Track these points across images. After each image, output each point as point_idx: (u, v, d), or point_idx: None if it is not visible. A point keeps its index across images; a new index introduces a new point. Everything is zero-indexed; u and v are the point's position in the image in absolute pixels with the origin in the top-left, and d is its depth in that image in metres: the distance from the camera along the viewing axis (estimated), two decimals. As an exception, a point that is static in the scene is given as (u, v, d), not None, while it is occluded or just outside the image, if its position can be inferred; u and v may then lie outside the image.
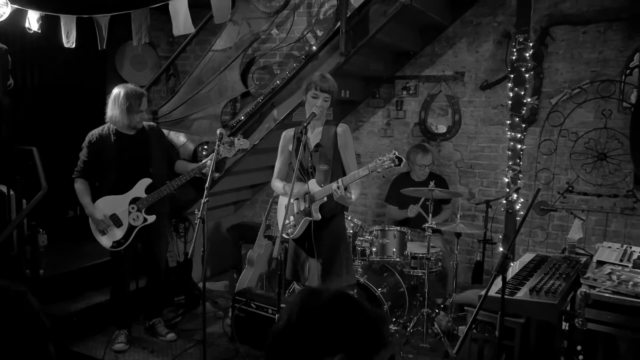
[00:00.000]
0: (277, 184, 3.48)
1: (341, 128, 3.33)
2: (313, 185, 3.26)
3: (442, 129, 5.29)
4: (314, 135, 3.34)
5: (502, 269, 2.53)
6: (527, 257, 3.48)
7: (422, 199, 4.59)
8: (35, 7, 4.24)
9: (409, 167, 4.90)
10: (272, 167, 5.84)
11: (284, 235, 3.34)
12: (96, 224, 3.88)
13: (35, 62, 5.36)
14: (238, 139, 3.78)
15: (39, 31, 4.28)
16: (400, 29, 4.66)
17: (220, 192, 5.40)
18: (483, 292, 2.65)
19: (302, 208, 3.28)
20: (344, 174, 3.27)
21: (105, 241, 3.91)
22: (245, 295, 4.18)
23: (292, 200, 3.21)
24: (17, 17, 4.24)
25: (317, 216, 3.25)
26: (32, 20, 4.19)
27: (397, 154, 3.01)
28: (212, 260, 5.68)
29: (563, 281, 2.90)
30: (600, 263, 2.93)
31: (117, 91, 3.78)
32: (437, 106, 5.29)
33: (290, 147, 3.40)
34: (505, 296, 2.57)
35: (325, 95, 3.21)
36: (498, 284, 2.61)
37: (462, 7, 4.98)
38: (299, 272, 3.42)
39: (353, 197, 3.26)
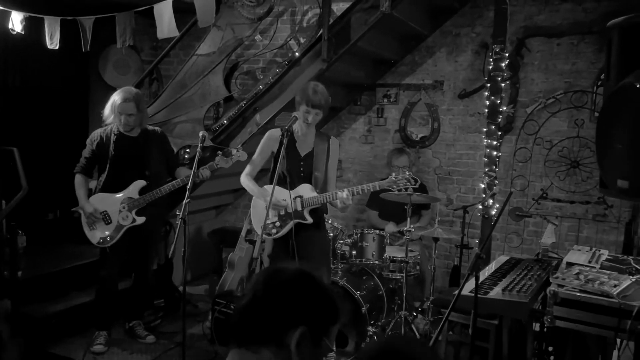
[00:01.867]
0: (248, 183, 3.47)
1: (333, 142, 3.45)
2: (306, 190, 3.31)
3: (422, 136, 5.40)
4: (306, 143, 3.39)
5: (475, 268, 2.61)
6: (501, 260, 3.58)
7: (401, 225, 4.67)
8: (20, 8, 4.25)
9: (390, 171, 4.98)
10: (255, 172, 6.01)
11: (265, 236, 3.39)
12: (86, 217, 3.96)
13: (18, 63, 5.36)
14: (237, 150, 3.82)
15: (23, 32, 4.29)
16: (381, 38, 4.77)
17: (202, 196, 5.42)
18: (456, 292, 2.74)
19: (290, 210, 3.29)
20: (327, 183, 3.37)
21: (92, 236, 3.97)
22: (226, 297, 4.20)
23: (279, 201, 3.27)
24: (2, 18, 4.25)
25: (310, 220, 3.32)
26: (16, 21, 4.21)
27: (412, 174, 3.09)
28: (193, 264, 5.69)
29: (534, 281, 3.00)
30: (570, 264, 3.04)
31: (114, 93, 3.91)
32: (417, 114, 5.40)
33: (275, 149, 3.41)
34: (479, 295, 2.65)
35: (317, 111, 3.26)
36: (471, 283, 2.69)
37: (441, 17, 5.12)
38: None
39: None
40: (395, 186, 3.15)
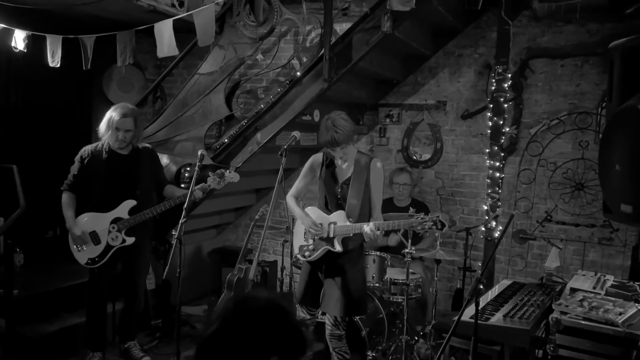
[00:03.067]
0: (292, 204, 3.50)
1: (374, 164, 3.32)
2: (340, 217, 3.28)
3: (424, 156, 5.36)
4: (345, 167, 3.35)
5: (476, 293, 2.54)
6: (504, 284, 3.50)
7: (402, 231, 4.60)
8: (23, 26, 4.28)
9: (391, 192, 4.94)
10: (256, 190, 5.98)
11: (300, 257, 3.39)
12: (74, 238, 3.84)
13: (20, 81, 5.38)
14: (229, 172, 3.79)
15: (25, 50, 4.31)
16: (383, 58, 4.75)
17: (203, 215, 5.38)
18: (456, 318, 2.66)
19: (324, 236, 3.29)
20: (370, 210, 3.32)
21: (80, 257, 3.87)
22: (223, 319, 4.13)
23: (313, 225, 3.28)
24: (3, 36, 4.28)
25: (339, 248, 3.27)
26: (19, 39, 4.23)
27: (440, 218, 3.05)
28: (192, 284, 5.62)
29: (537, 308, 2.92)
30: (574, 290, 2.95)
31: (110, 109, 3.83)
32: (419, 134, 5.37)
33: (318, 174, 3.44)
34: (479, 321, 2.57)
35: (343, 146, 3.21)
36: (472, 309, 2.61)
37: (444, 38, 5.11)
38: (309, 296, 3.41)
39: (381, 234, 3.33)
40: (420, 227, 3.11)
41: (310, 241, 3.39)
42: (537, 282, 3.61)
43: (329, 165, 3.38)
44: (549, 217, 4.75)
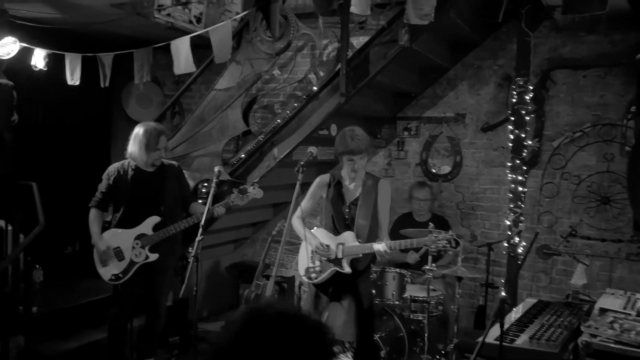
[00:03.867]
0: (297, 225, 3.43)
1: (382, 185, 3.31)
2: (349, 237, 3.23)
3: (444, 170, 5.27)
4: (353, 188, 3.32)
5: (500, 314, 2.45)
6: (529, 303, 3.39)
7: (424, 249, 4.51)
8: (43, 45, 4.33)
9: (410, 206, 4.87)
10: (273, 205, 5.95)
11: (306, 279, 3.33)
12: (99, 253, 3.87)
13: (40, 99, 5.46)
14: (253, 188, 3.77)
15: (45, 69, 4.36)
16: (401, 71, 4.71)
17: (220, 230, 5.36)
18: (480, 339, 2.57)
19: (332, 257, 3.22)
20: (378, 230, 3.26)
21: (105, 272, 3.88)
22: (241, 336, 4.08)
23: (320, 246, 3.23)
24: (24, 55, 4.34)
25: (348, 270, 3.21)
26: (39, 58, 4.28)
27: (454, 235, 3.00)
28: (210, 300, 5.58)
29: (564, 329, 2.81)
30: (603, 311, 2.84)
31: (138, 129, 3.82)
32: (438, 147, 5.29)
33: (324, 194, 3.39)
34: (504, 343, 2.48)
35: (360, 156, 3.20)
36: (497, 330, 2.52)
37: (462, 50, 5.04)
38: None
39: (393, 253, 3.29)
40: (434, 246, 3.05)
41: (317, 263, 3.32)
42: (563, 301, 3.49)
43: (337, 185, 3.34)
44: (573, 232, 4.62)
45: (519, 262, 4.32)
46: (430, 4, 2.90)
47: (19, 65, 4.45)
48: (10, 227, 4.35)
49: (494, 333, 2.60)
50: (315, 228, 3.43)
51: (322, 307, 3.33)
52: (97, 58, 4.29)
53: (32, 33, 4.47)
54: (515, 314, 3.16)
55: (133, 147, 3.80)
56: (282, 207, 5.93)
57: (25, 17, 4.42)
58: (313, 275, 3.32)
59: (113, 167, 3.94)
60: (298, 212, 3.46)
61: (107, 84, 4.39)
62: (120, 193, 3.88)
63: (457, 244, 3.02)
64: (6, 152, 4.20)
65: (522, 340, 2.67)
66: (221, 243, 5.90)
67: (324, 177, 3.44)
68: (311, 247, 3.31)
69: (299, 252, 3.51)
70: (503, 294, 4.54)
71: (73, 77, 4.26)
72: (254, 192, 3.78)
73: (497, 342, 2.48)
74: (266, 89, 5.68)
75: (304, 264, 3.40)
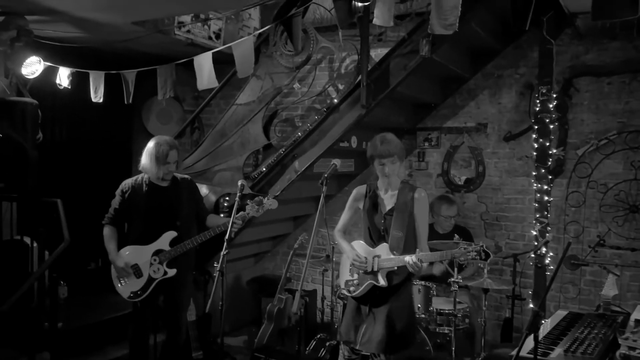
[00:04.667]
0: (338, 238, 3.44)
1: (419, 194, 3.23)
2: (384, 250, 3.19)
3: (466, 180, 5.21)
4: (388, 197, 3.28)
5: (534, 327, 2.39)
6: (559, 315, 3.30)
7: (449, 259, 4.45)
8: (67, 64, 4.41)
9: (432, 218, 4.81)
10: (294, 218, 5.93)
11: (345, 292, 3.30)
12: (117, 271, 3.84)
13: (64, 117, 5.54)
14: (267, 199, 3.76)
15: (69, 87, 4.42)
16: (421, 82, 4.69)
17: (241, 244, 5.35)
18: (514, 352, 2.51)
19: (368, 270, 3.19)
20: (416, 241, 3.22)
21: (124, 290, 3.85)
22: (264, 351, 4.07)
23: (357, 258, 3.20)
24: (48, 74, 4.42)
25: (383, 283, 3.16)
26: (63, 76, 4.36)
27: (484, 247, 2.95)
28: (231, 314, 5.56)
29: (600, 341, 2.73)
30: (639, 322, 2.75)
31: (150, 142, 3.82)
32: (460, 157, 5.24)
33: (361, 205, 3.36)
34: (538, 357, 2.42)
35: (391, 159, 3.15)
36: (530, 343, 2.46)
37: (483, 59, 5.00)
38: (351, 332, 3.25)
39: (424, 266, 3.19)
40: (463, 258, 3.01)
41: (355, 275, 3.28)
42: (595, 312, 3.40)
43: (372, 196, 3.30)
44: (602, 242, 4.52)
45: (547, 274, 4.24)
46: (454, 14, 2.88)
47: (43, 84, 4.53)
48: (35, 244, 4.40)
49: (526, 347, 2.54)
50: (355, 241, 3.39)
51: (360, 321, 3.27)
52: (121, 75, 4.34)
53: (57, 52, 4.55)
54: (545, 326, 3.09)
55: (145, 159, 3.81)
56: (302, 220, 5.92)
57: (50, 36, 4.50)
58: (352, 288, 3.29)
59: (126, 183, 3.91)
60: (339, 225, 3.47)
61: (130, 101, 4.44)
62: (135, 208, 3.85)
63: (487, 255, 2.96)
64: (31, 170, 4.25)
65: (556, 354, 2.59)
66: (242, 257, 5.89)
67: (361, 188, 3.40)
68: (349, 259, 3.29)
69: (340, 265, 3.48)
70: (531, 305, 4.46)
71: (97, 94, 4.31)
72: (269, 203, 3.77)
73: (531, 356, 2.42)
74: (285, 102, 5.69)
75: (344, 276, 3.37)
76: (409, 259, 3.05)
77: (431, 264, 4.59)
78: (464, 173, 5.23)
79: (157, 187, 3.87)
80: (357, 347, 3.28)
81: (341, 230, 3.45)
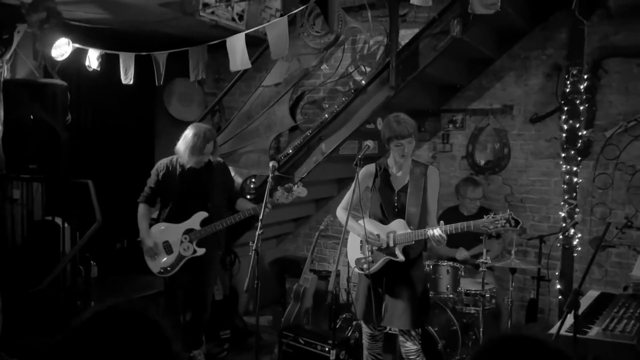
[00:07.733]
0: (343, 216, 3.36)
1: (431, 171, 3.27)
2: (400, 225, 3.20)
3: (491, 162, 5.21)
4: (401, 175, 3.29)
5: (575, 305, 2.42)
6: (592, 295, 3.33)
7: (476, 248, 4.47)
8: (97, 45, 4.41)
9: (458, 200, 4.82)
10: (317, 200, 5.96)
11: (358, 270, 3.31)
12: (145, 250, 3.96)
13: (90, 99, 5.56)
14: (297, 186, 3.80)
15: (98, 69, 4.44)
16: (448, 63, 4.66)
17: (263, 226, 5.37)
18: (553, 331, 2.54)
19: (384, 246, 3.21)
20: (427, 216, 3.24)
21: (154, 265, 3.98)
22: (293, 330, 4.12)
23: (371, 235, 3.19)
24: (77, 56, 4.43)
25: (401, 258, 3.18)
26: (92, 58, 4.37)
27: (513, 214, 2.93)
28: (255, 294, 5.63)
29: (637, 321, 2.75)
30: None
31: (189, 130, 3.85)
32: (485, 139, 5.23)
33: (370, 184, 3.36)
34: (578, 335, 2.45)
35: (408, 139, 3.15)
36: (569, 321, 2.49)
37: (510, 40, 4.95)
38: (372, 313, 3.26)
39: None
40: (492, 226, 2.99)
41: (368, 253, 3.28)
42: (627, 293, 3.42)
43: (383, 173, 3.31)
44: (629, 223, 4.52)
45: (575, 254, 4.25)
46: (496, -6, 2.86)
47: (71, 65, 4.55)
48: (66, 225, 4.46)
49: (566, 325, 2.57)
50: (361, 219, 3.39)
51: (379, 299, 3.30)
52: (151, 57, 4.35)
53: (85, 34, 4.56)
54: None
55: (181, 145, 3.86)
56: (324, 202, 5.94)
57: (79, 18, 4.50)
58: (365, 266, 3.27)
59: (162, 163, 4.00)
60: (343, 203, 3.45)
61: (161, 82, 4.46)
62: (168, 189, 3.95)
63: (517, 222, 2.94)
64: (63, 151, 4.30)
65: (595, 332, 2.63)
66: (264, 239, 5.87)
67: (370, 167, 3.39)
68: (361, 237, 3.28)
69: (347, 244, 3.49)
70: (558, 286, 4.48)
71: (127, 76, 4.33)
72: (299, 190, 3.81)
73: (570, 334, 2.45)
74: (307, 85, 5.67)
75: (354, 255, 3.37)
76: (433, 231, 3.05)
77: (456, 247, 4.62)
78: (490, 155, 5.22)
79: (191, 169, 3.94)
80: (380, 325, 3.32)
81: (345, 208, 3.39)
